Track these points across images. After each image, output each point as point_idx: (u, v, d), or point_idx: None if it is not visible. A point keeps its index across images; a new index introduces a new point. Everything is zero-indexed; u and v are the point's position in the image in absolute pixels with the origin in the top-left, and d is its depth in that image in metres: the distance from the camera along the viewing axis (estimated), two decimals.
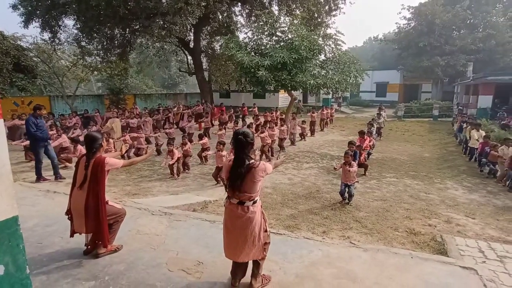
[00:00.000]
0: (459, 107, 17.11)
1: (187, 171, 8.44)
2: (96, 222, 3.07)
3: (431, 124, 18.68)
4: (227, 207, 2.76)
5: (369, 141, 9.23)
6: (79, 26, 16.81)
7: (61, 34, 17.47)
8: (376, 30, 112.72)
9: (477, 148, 9.18)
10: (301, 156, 10.40)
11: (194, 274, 2.96)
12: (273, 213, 5.44)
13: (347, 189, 6.01)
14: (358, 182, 6.73)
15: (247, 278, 2.84)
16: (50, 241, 3.61)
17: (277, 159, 3.16)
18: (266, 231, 2.83)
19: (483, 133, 9.00)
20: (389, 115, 21.59)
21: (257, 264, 2.81)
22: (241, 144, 2.64)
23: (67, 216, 3.28)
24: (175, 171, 7.88)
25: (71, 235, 3.27)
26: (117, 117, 11.80)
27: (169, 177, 7.86)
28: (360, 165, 7.88)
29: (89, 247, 3.28)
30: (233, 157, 2.72)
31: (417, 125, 17.94)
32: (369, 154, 9.89)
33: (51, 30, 16.57)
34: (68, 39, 17.94)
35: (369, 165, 8.91)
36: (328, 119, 17.56)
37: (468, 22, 27.97)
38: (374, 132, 11.43)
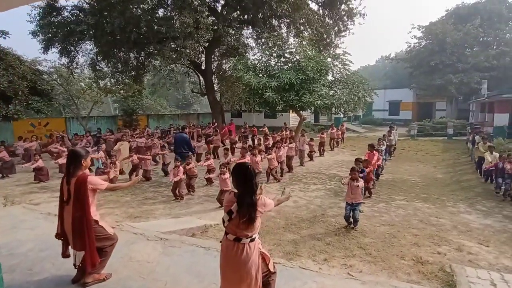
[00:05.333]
0: (474, 126, 16.67)
1: (191, 193, 8.39)
2: (82, 240, 3.02)
3: (445, 143, 18.18)
4: (223, 244, 2.64)
5: (377, 160, 8.94)
6: (96, 51, 17.54)
7: (78, 59, 18.27)
8: (388, 49, 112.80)
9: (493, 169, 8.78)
10: (308, 177, 10.22)
11: None
12: (274, 238, 5.27)
13: (351, 213, 5.81)
14: (364, 203, 6.51)
15: None
16: (41, 267, 3.57)
17: (282, 194, 3.06)
18: (267, 271, 2.69)
19: (497, 155, 8.61)
20: (402, 133, 21.19)
21: None
22: (252, 175, 2.54)
23: (58, 239, 3.25)
24: (177, 193, 7.83)
25: (62, 255, 3.24)
26: (126, 140, 12.00)
27: (173, 199, 7.81)
28: (366, 184, 7.62)
29: (78, 266, 3.18)
30: (235, 190, 2.62)
31: (430, 144, 17.48)
32: (378, 175, 9.62)
33: (68, 55, 17.28)
34: (85, 64, 18.70)
35: (379, 187, 8.70)
36: (339, 139, 17.38)
37: (480, 39, 27.75)
38: (383, 150, 11.04)
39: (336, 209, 6.96)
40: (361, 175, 6.29)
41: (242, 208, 2.46)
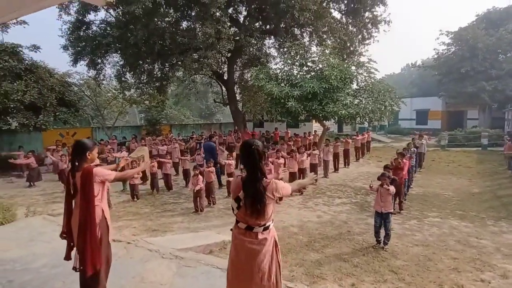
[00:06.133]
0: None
1: (212, 205, 8.19)
2: (83, 239, 2.80)
3: (479, 154, 17.05)
4: (234, 232, 2.36)
5: (409, 164, 8.41)
6: (122, 63, 18.10)
7: (105, 70, 18.90)
8: (413, 57, 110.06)
9: None
10: (333, 190, 9.77)
11: None
12: (296, 258, 4.93)
13: (383, 225, 5.36)
14: (394, 213, 6.04)
15: None
16: (51, 286, 3.45)
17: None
18: (279, 267, 2.37)
19: None
20: (431, 143, 20.15)
21: None
22: (256, 156, 2.24)
23: (64, 237, 3.06)
24: (198, 205, 7.65)
25: (65, 258, 3.04)
26: (145, 145, 12.16)
27: (192, 211, 7.63)
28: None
29: (77, 270, 2.95)
30: (241, 174, 2.36)
31: (463, 156, 16.45)
32: (408, 187, 9.02)
33: (95, 67, 17.90)
34: (111, 75, 19.31)
35: (409, 201, 8.14)
36: (364, 146, 16.70)
37: None
38: (414, 152, 10.28)
39: (363, 225, 6.51)
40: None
41: (248, 198, 2.19)
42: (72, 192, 2.93)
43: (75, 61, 17.46)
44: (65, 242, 4.35)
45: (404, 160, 7.92)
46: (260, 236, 2.20)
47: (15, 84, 12.03)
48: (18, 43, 13.42)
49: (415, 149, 10.59)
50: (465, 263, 4.74)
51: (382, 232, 5.41)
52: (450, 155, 16.68)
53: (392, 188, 5.43)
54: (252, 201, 2.17)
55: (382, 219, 5.36)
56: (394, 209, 7.18)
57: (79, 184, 2.86)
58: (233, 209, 2.30)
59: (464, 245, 5.43)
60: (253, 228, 2.21)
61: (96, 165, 3.21)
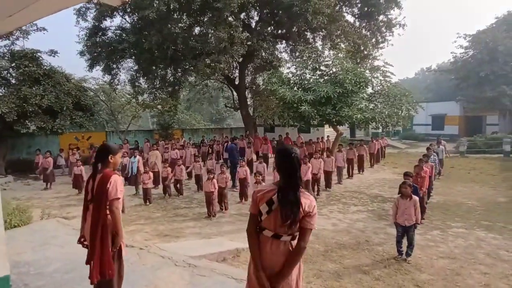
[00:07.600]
0: None
1: (224, 211, 8.03)
2: (93, 246, 2.66)
3: (502, 161, 16.35)
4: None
5: (431, 170, 8.10)
6: (136, 68, 18.30)
7: (120, 76, 19.15)
8: (428, 61, 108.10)
9: None
10: (348, 197, 9.48)
11: None
12: (313, 268, 4.71)
13: (405, 235, 5.07)
14: (420, 224, 5.68)
15: None
16: None
17: None
18: (300, 278, 2.17)
19: None
20: (449, 150, 19.51)
21: None
22: (295, 164, 2.08)
23: (82, 243, 2.92)
24: (211, 210, 7.51)
25: (86, 262, 2.87)
26: (157, 149, 12.16)
27: (204, 217, 7.50)
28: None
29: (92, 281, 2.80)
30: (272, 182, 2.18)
31: (484, 163, 15.83)
32: (429, 194, 8.64)
33: (110, 73, 18.14)
34: (125, 80, 19.55)
35: (429, 210, 7.78)
36: (379, 152, 16.26)
37: None
38: (436, 159, 9.93)
39: (382, 235, 6.23)
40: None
41: (284, 205, 1.99)
42: (89, 197, 2.82)
43: (91, 67, 17.71)
44: (76, 247, 4.24)
45: (424, 168, 7.59)
46: (288, 246, 2.04)
47: (33, 88, 12.23)
48: (37, 48, 13.67)
49: (435, 156, 10.18)
50: (498, 279, 4.42)
51: (404, 243, 5.13)
52: (471, 162, 16.09)
53: (414, 199, 5.14)
54: (290, 208, 1.98)
55: (404, 230, 5.08)
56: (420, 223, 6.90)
57: (95, 188, 2.75)
58: (261, 214, 2.09)
59: (495, 259, 5.08)
60: (281, 236, 2.03)
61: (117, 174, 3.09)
